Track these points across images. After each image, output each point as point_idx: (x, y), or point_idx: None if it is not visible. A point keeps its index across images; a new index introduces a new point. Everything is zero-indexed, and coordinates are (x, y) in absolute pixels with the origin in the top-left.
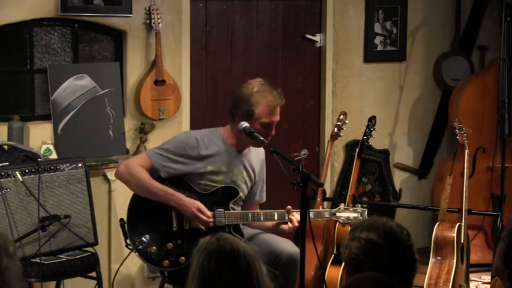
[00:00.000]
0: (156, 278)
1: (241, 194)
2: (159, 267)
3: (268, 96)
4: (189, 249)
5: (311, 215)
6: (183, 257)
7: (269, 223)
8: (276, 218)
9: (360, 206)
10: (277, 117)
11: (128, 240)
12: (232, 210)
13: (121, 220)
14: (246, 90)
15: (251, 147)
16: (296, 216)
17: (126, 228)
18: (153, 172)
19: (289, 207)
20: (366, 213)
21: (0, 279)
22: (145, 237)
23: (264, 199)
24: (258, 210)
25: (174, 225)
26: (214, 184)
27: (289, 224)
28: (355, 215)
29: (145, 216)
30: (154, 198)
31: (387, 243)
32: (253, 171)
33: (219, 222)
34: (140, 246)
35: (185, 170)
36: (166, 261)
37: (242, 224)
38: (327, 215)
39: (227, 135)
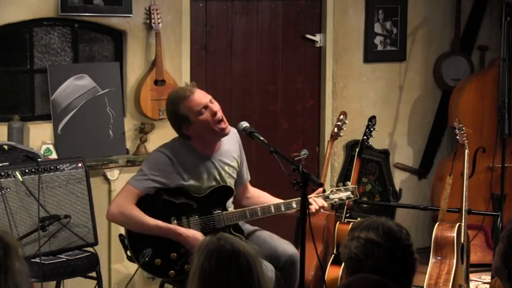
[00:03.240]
0: (156, 278)
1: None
2: (165, 277)
3: (180, 93)
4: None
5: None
6: (188, 265)
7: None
8: (272, 211)
9: (349, 183)
10: (205, 99)
11: (128, 252)
12: (229, 210)
13: (120, 235)
14: (167, 112)
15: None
16: (314, 204)
17: (127, 243)
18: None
19: (319, 189)
20: (356, 190)
21: (12, 282)
22: (147, 251)
23: (249, 176)
24: (255, 206)
25: None
26: (202, 192)
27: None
28: (347, 193)
29: None
30: (153, 234)
31: (386, 243)
32: (234, 158)
33: (218, 224)
34: (143, 261)
35: (170, 187)
36: (172, 271)
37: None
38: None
39: (195, 144)
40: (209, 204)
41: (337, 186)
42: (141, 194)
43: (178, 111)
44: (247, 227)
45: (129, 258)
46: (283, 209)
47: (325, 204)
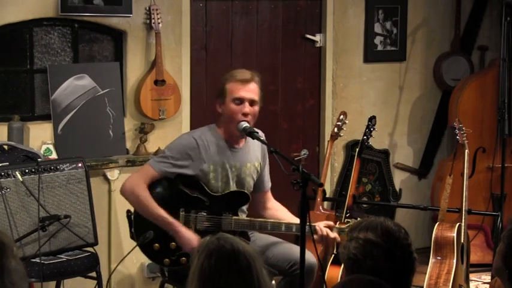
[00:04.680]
0: (156, 278)
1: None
2: (159, 264)
3: (238, 73)
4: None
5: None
6: (184, 258)
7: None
8: (283, 229)
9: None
10: (249, 94)
11: (132, 230)
12: (240, 217)
13: (128, 211)
14: (225, 74)
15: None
16: (324, 231)
17: (133, 219)
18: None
19: (331, 223)
20: None
21: (8, 280)
22: (149, 233)
23: (270, 185)
24: (266, 220)
25: None
26: (220, 183)
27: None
28: None
29: None
30: (153, 221)
31: (385, 243)
32: (257, 159)
33: (225, 227)
34: (143, 241)
35: (189, 174)
36: (167, 259)
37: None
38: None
39: (222, 131)
40: (221, 205)
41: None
42: (158, 176)
43: (224, 83)
44: (265, 237)
45: (131, 235)
46: (294, 230)
47: (338, 239)
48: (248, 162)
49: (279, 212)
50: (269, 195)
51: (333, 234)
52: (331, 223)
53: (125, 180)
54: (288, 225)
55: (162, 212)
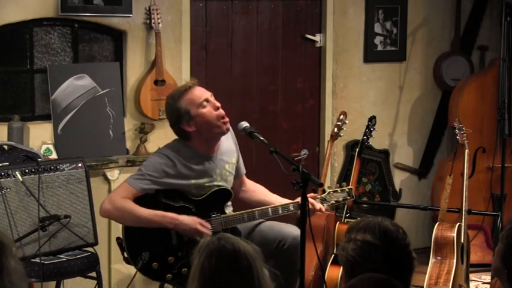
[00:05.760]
0: None
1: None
2: (162, 281)
3: (180, 88)
4: (190, 260)
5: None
6: (185, 268)
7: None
8: (270, 214)
9: (344, 184)
10: (205, 92)
11: (125, 254)
12: (227, 214)
13: (118, 238)
14: (167, 109)
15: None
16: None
17: (124, 245)
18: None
19: (313, 194)
20: (352, 191)
21: (8, 280)
22: (145, 255)
23: (245, 170)
24: (253, 209)
25: (174, 238)
26: (203, 192)
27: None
28: (343, 195)
29: (143, 232)
30: (148, 225)
31: (383, 244)
32: (233, 154)
33: (217, 228)
34: (141, 264)
35: (169, 188)
36: (169, 275)
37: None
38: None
39: (195, 145)
40: (207, 207)
41: (334, 188)
42: (137, 193)
43: (178, 105)
44: (249, 223)
45: (126, 260)
46: (280, 211)
47: (323, 209)
48: (226, 164)
49: (256, 193)
50: (244, 178)
51: (318, 205)
52: (312, 194)
53: (102, 203)
54: (275, 209)
55: (152, 211)
